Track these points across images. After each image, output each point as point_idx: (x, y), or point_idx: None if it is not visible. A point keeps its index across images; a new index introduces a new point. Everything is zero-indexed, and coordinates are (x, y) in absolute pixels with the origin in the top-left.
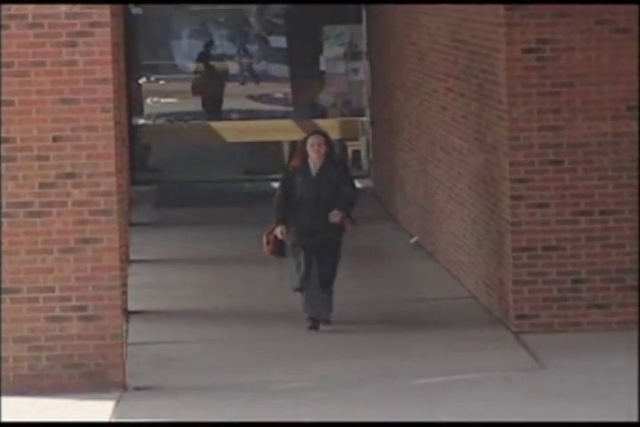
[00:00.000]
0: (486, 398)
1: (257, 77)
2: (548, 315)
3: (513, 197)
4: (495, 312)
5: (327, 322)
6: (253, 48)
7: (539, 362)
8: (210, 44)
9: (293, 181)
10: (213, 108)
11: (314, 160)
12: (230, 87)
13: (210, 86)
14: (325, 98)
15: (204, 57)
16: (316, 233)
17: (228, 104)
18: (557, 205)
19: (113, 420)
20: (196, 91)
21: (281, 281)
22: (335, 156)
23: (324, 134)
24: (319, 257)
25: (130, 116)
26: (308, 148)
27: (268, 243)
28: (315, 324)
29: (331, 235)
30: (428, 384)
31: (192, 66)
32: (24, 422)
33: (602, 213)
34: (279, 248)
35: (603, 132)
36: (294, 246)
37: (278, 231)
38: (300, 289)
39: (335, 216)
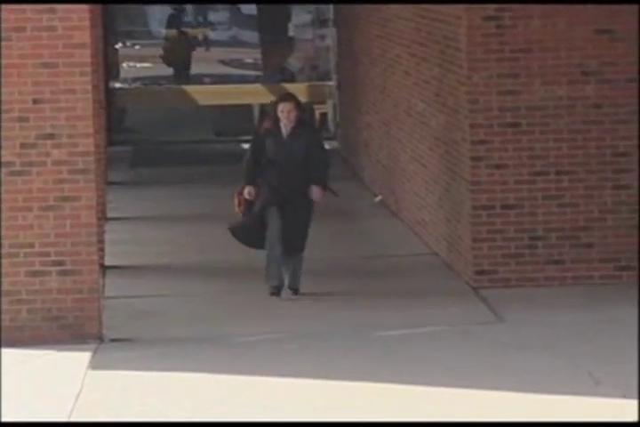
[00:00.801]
0: (448, 349)
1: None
2: (505, 271)
3: (473, 158)
4: (455, 268)
5: (295, 291)
6: (225, 15)
7: (497, 316)
8: (179, 10)
9: (264, 142)
10: (183, 73)
11: (285, 124)
12: (201, 52)
13: (178, 52)
14: (294, 63)
15: (173, 23)
16: (287, 193)
17: (200, 69)
18: (515, 165)
19: (90, 370)
20: (165, 56)
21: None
22: (305, 118)
23: (293, 99)
24: (288, 219)
25: (107, 80)
26: (279, 113)
27: (239, 204)
28: (277, 290)
29: (301, 197)
30: (393, 336)
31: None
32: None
33: (557, 173)
34: (250, 208)
35: (558, 96)
36: (264, 208)
37: (246, 192)
38: (248, 244)
39: (316, 195)
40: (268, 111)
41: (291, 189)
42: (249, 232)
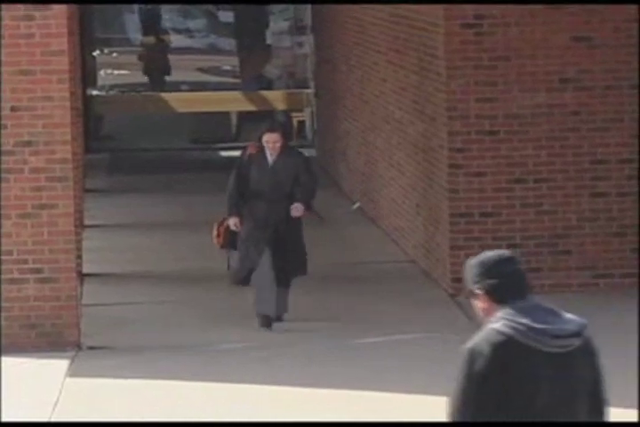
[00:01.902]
0: (425, 356)
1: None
2: None
3: (450, 166)
4: (433, 275)
5: (279, 319)
6: (202, 22)
7: (474, 323)
8: (154, 17)
9: (249, 170)
10: (160, 80)
11: (270, 153)
12: (179, 59)
13: (155, 58)
14: (271, 70)
15: (150, 30)
16: (272, 226)
17: (177, 76)
18: (493, 173)
19: (68, 377)
20: (142, 63)
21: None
22: (292, 146)
23: (278, 130)
24: (277, 251)
25: (84, 87)
26: (264, 144)
27: (218, 235)
28: (267, 321)
29: (289, 227)
30: (370, 344)
31: (142, 39)
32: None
33: (536, 181)
34: (231, 240)
35: (537, 104)
36: (246, 240)
37: (232, 223)
38: (241, 283)
39: (296, 210)
40: (255, 139)
41: (278, 223)
42: (246, 272)
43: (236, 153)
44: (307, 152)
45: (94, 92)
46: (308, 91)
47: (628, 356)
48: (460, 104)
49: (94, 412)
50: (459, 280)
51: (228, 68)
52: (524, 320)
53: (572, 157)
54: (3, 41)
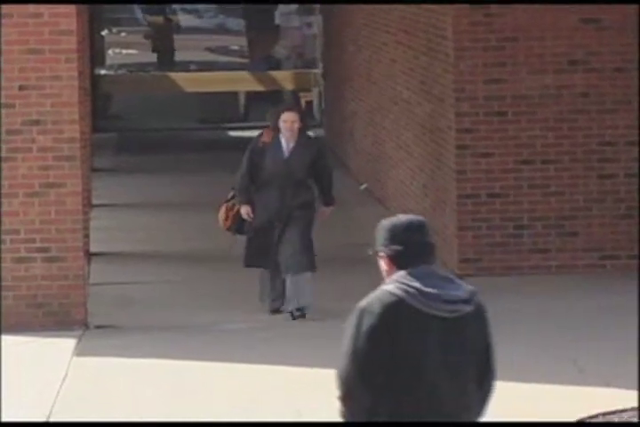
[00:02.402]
0: None
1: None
2: (490, 259)
3: (458, 147)
4: (440, 256)
5: (300, 313)
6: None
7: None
8: None
9: (262, 157)
10: (168, 60)
11: (286, 137)
12: (188, 39)
13: (163, 38)
14: (280, 51)
15: (159, 10)
16: (285, 214)
17: (186, 56)
18: (501, 154)
19: (75, 356)
20: (150, 43)
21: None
22: (309, 132)
23: (297, 110)
24: (290, 237)
25: (92, 67)
26: (281, 124)
27: (226, 219)
28: (275, 312)
29: (298, 213)
30: None
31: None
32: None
33: (543, 162)
34: (239, 227)
35: (545, 85)
36: (259, 230)
37: (244, 212)
38: (255, 265)
39: (323, 216)
40: (269, 122)
41: (291, 211)
42: (258, 255)
43: (244, 133)
44: (314, 132)
45: (102, 72)
46: (316, 71)
47: (630, 337)
48: (468, 85)
49: (101, 391)
50: (466, 261)
51: (236, 48)
52: (416, 284)
53: (580, 138)
54: (11, 20)
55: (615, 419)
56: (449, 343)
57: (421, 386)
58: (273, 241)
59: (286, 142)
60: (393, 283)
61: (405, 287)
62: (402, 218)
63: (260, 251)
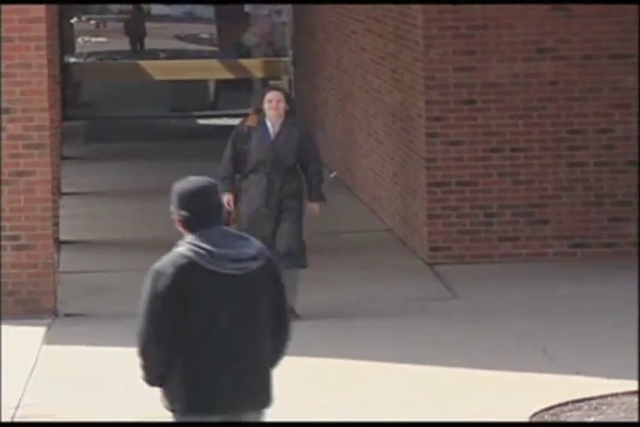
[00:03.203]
0: (402, 325)
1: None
2: (460, 247)
3: (428, 135)
4: (410, 244)
5: (294, 314)
6: None
7: (452, 292)
8: None
9: (247, 142)
10: (138, 48)
11: (272, 119)
12: (157, 27)
13: (133, 26)
14: (249, 38)
15: None
16: (273, 204)
17: (155, 43)
18: (470, 142)
19: (44, 344)
20: (125, 30)
21: None
22: (296, 116)
23: (283, 91)
24: (280, 230)
25: (62, 55)
26: (265, 105)
27: None
28: None
29: (289, 203)
30: (347, 312)
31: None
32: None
33: (513, 150)
34: (225, 219)
35: (514, 73)
36: (248, 218)
37: (225, 201)
38: None
39: (313, 211)
40: (253, 105)
41: (280, 198)
42: None
43: (214, 121)
44: None
45: (72, 60)
46: (286, 59)
47: (603, 326)
48: (437, 73)
49: (70, 379)
50: (436, 249)
51: (206, 35)
52: (206, 245)
53: (550, 126)
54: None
55: (585, 407)
56: (240, 298)
57: (215, 339)
58: (266, 235)
59: (272, 125)
60: (184, 245)
61: (196, 249)
62: (190, 183)
63: None
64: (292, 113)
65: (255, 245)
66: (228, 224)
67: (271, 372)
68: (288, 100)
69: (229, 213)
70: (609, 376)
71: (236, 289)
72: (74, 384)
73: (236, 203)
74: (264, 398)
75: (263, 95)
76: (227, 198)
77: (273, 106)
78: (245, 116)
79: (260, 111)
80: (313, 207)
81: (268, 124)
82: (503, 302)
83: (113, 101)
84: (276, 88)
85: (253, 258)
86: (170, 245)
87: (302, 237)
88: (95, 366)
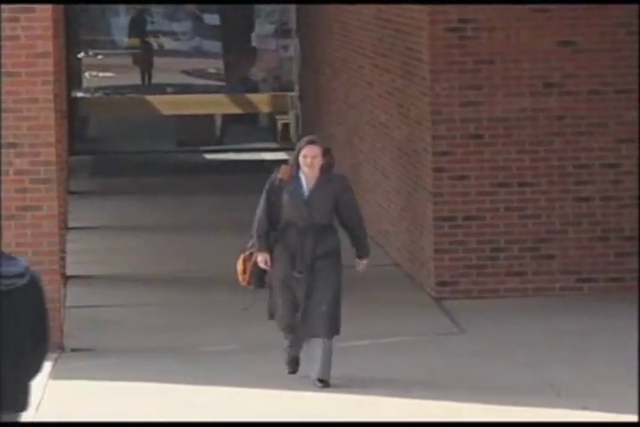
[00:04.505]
0: (410, 360)
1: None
2: (467, 282)
3: (435, 170)
4: (417, 279)
5: (326, 384)
6: (188, 25)
7: (459, 327)
8: (140, 19)
9: (280, 197)
10: (145, 82)
11: (307, 174)
12: (165, 62)
13: (141, 61)
14: (256, 73)
15: (136, 32)
16: (306, 265)
17: (163, 78)
18: (477, 177)
19: (51, 379)
20: (128, 65)
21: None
22: (333, 169)
23: (320, 145)
24: (316, 294)
25: (69, 89)
26: (301, 160)
27: (244, 271)
28: (295, 366)
29: (327, 265)
30: (354, 347)
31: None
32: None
33: (519, 184)
34: (260, 278)
35: (521, 108)
36: (279, 283)
37: (261, 260)
38: (288, 328)
39: (360, 267)
40: (290, 158)
41: (315, 258)
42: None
43: (220, 156)
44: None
45: (79, 95)
46: (293, 94)
47: (611, 358)
48: (444, 108)
49: (77, 414)
50: (443, 284)
51: (213, 70)
52: None
53: (556, 161)
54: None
55: None
56: (5, 313)
57: None
58: (300, 298)
59: (306, 179)
60: None
61: None
62: None
63: (288, 310)
64: (328, 167)
65: (22, 263)
66: (263, 284)
67: (29, 382)
68: (325, 153)
69: (265, 272)
70: (616, 412)
71: (4, 305)
72: (80, 419)
73: (273, 261)
74: (20, 404)
75: (299, 150)
76: (262, 258)
77: (308, 162)
78: (279, 165)
79: (295, 164)
80: (362, 263)
81: (302, 178)
82: (510, 336)
83: (120, 136)
84: (312, 142)
85: (20, 275)
86: (177, 280)
87: (340, 303)
88: (102, 401)
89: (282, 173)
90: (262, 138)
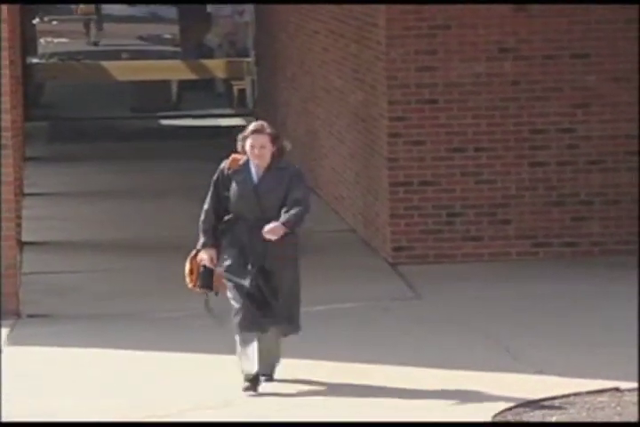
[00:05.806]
0: (366, 325)
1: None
2: (423, 247)
3: (390, 135)
4: (373, 244)
5: (270, 378)
6: None
7: (415, 292)
8: None
9: (229, 187)
10: (99, 48)
11: (256, 164)
12: (120, 28)
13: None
14: (212, 39)
15: None
16: (257, 259)
17: (118, 44)
18: (433, 142)
19: (7, 346)
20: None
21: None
22: (284, 157)
23: (268, 131)
24: (268, 286)
25: (24, 56)
26: (248, 150)
27: (191, 272)
28: (254, 381)
29: (279, 255)
30: (311, 312)
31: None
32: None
33: (475, 150)
34: (206, 279)
35: (476, 73)
36: (230, 277)
37: (206, 258)
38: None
39: (272, 232)
40: (237, 143)
41: (267, 252)
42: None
43: (176, 122)
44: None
45: (34, 61)
46: (249, 59)
47: (565, 324)
48: (399, 73)
49: (33, 380)
50: (399, 249)
51: (168, 36)
52: None
53: (512, 126)
54: None
55: (547, 406)
56: None
57: None
58: (250, 290)
59: (256, 169)
60: None
61: None
62: None
63: (252, 311)
64: (280, 154)
65: None
66: (211, 285)
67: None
68: (275, 140)
69: (211, 270)
70: (571, 375)
71: None
72: (37, 386)
73: (219, 258)
74: None
75: (245, 138)
76: (207, 255)
77: (256, 153)
78: (230, 152)
79: (243, 152)
80: (274, 229)
81: (252, 166)
82: (466, 301)
83: (75, 102)
84: (258, 130)
85: None
86: (134, 246)
87: (299, 298)
88: (58, 367)
89: (230, 162)
90: (218, 104)
